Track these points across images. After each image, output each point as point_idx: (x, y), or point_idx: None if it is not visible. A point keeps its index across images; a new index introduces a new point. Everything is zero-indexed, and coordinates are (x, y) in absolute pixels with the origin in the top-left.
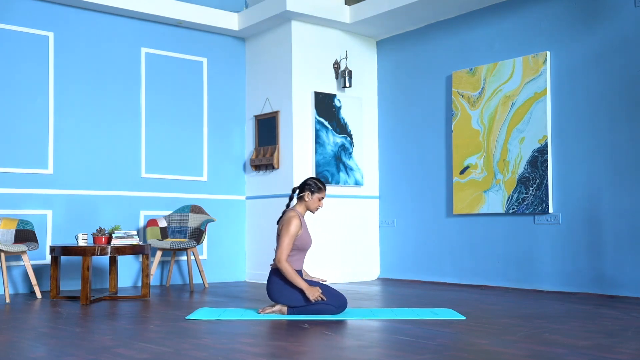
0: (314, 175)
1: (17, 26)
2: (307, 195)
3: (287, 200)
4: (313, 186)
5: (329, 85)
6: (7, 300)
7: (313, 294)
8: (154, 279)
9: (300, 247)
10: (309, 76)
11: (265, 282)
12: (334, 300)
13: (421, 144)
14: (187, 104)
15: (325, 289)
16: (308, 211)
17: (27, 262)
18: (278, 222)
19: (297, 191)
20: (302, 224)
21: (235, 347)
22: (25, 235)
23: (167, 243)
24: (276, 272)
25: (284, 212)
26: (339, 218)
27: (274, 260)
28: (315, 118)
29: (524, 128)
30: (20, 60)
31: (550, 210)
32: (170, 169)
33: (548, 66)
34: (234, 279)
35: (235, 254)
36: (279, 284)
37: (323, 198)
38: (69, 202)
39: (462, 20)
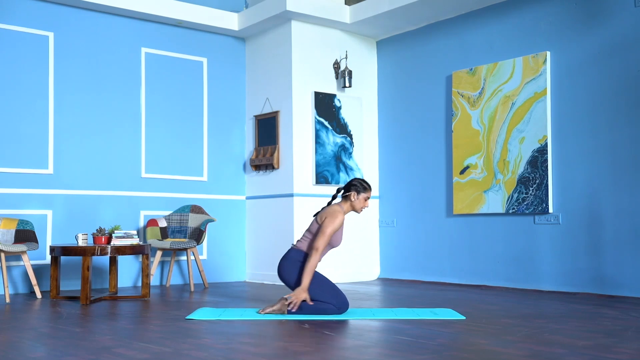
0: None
1: (17, 26)
2: (353, 195)
3: (330, 201)
4: (359, 186)
5: (329, 85)
6: (7, 300)
7: (296, 297)
8: (154, 279)
9: (332, 243)
10: (309, 76)
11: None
12: (336, 299)
13: (421, 144)
14: (187, 104)
15: (331, 288)
16: (352, 211)
17: (27, 262)
18: (316, 215)
19: (342, 191)
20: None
21: (235, 347)
22: (25, 235)
23: (167, 243)
24: (294, 252)
25: (323, 208)
26: None
27: (299, 240)
28: (315, 118)
29: (524, 128)
30: (20, 60)
31: (550, 210)
32: (170, 169)
33: (548, 66)
34: (234, 279)
35: (235, 254)
36: (294, 263)
37: (369, 198)
38: (69, 202)
39: (462, 20)
